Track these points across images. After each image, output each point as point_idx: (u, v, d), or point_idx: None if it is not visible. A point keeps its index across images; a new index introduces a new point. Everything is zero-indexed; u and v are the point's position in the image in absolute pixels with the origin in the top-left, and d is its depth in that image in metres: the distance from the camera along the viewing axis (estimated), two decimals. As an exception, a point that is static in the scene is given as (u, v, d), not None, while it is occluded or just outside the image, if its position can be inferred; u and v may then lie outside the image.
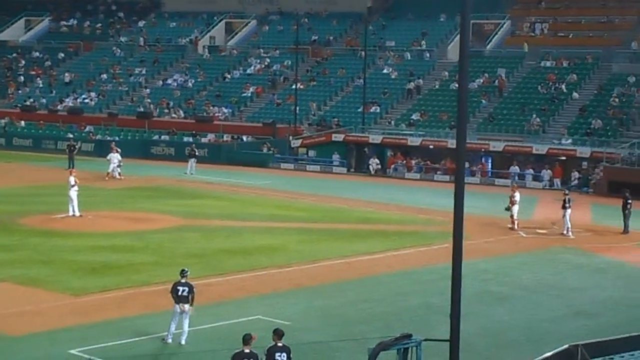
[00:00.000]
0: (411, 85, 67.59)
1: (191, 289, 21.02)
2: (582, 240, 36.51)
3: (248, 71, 75.70)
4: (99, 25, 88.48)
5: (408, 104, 66.49)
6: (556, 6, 73.20)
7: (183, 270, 21.33)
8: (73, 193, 38.08)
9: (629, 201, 38.38)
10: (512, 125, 60.20)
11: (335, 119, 65.40)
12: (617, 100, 60.02)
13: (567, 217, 37.25)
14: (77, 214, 37.97)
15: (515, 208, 38.61)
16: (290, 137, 63.35)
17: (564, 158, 54.99)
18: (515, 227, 38.26)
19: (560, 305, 25.90)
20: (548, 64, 66.50)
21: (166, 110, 71.41)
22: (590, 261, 32.68)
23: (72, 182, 38.21)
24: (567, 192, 38.96)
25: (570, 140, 56.70)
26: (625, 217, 38.25)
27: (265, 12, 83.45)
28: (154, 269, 28.50)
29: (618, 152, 53.35)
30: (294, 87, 68.31)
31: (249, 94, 72.01)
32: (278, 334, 16.55)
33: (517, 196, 38.76)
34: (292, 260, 30.71)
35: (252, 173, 56.63)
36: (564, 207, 37.46)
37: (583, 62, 65.52)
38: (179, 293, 20.94)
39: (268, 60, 76.25)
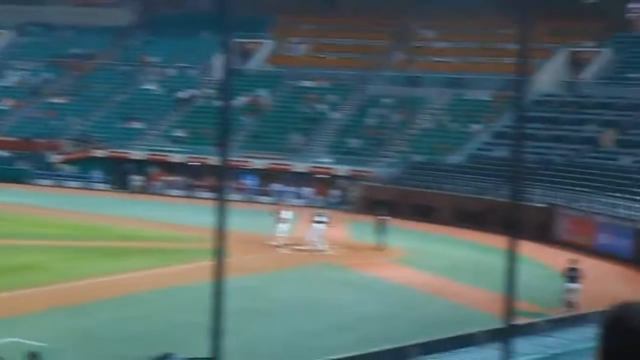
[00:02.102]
0: (183, 94, 67.53)
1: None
2: (340, 256, 37.63)
3: (4, 84, 72.84)
4: None
5: (171, 120, 66.21)
6: (316, 28, 75.20)
7: None
8: None
9: (385, 218, 39.97)
10: (274, 143, 61.26)
11: (97, 135, 64.11)
12: (373, 120, 62.39)
13: (316, 233, 38.32)
14: None
15: (283, 226, 39.26)
16: (49, 152, 61.47)
17: (324, 176, 56.54)
18: (282, 244, 38.87)
19: (319, 320, 26.59)
20: (308, 83, 68.17)
21: None
22: (348, 277, 33.74)
23: None
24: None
25: (330, 159, 58.38)
26: (381, 234, 39.79)
27: (24, 23, 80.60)
28: None
29: (374, 170, 55.51)
30: (53, 101, 66.38)
31: (6, 107, 69.29)
32: (33, 357, 16.06)
33: (286, 214, 39.47)
34: (51, 280, 29.82)
35: (8, 189, 54.42)
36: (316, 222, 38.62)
37: (342, 83, 67.66)
38: None
39: (27, 72, 73.70)
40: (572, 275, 29.16)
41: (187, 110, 67.15)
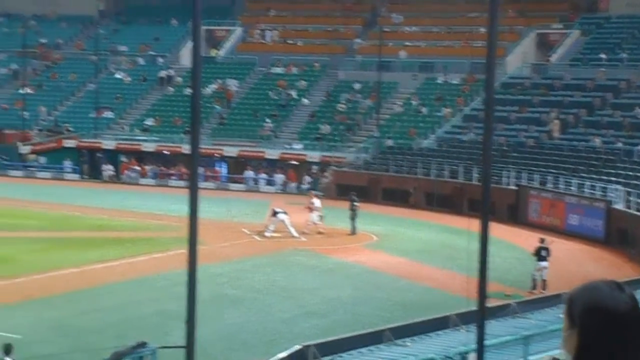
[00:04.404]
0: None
1: None
2: (312, 242, 37.72)
3: (-29, 74, 72.21)
4: None
5: (142, 109, 65.95)
6: (285, 14, 75.08)
7: None
8: None
9: (356, 203, 40.08)
10: (245, 130, 61.16)
11: (67, 125, 63.72)
12: (344, 106, 62.43)
13: (286, 221, 38.39)
14: None
15: (315, 214, 39.23)
16: (19, 143, 61.03)
17: (295, 162, 56.55)
18: (321, 231, 38.99)
19: (292, 306, 26.67)
20: (278, 70, 68.08)
21: None
22: (320, 262, 33.84)
23: None
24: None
25: (301, 145, 58.39)
26: (353, 219, 39.89)
27: (-11, 13, 79.87)
28: None
29: (345, 156, 55.60)
30: (21, 91, 65.84)
31: (-27, 99, 68.73)
32: (6, 348, 16.00)
33: (316, 202, 39.44)
34: (22, 271, 29.67)
35: (-22, 181, 54.06)
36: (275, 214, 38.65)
37: (311, 69, 67.60)
38: None
39: (-7, 63, 73.09)
40: (542, 254, 29.42)
41: (157, 99, 66.86)
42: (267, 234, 38.24)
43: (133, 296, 27.28)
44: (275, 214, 38.56)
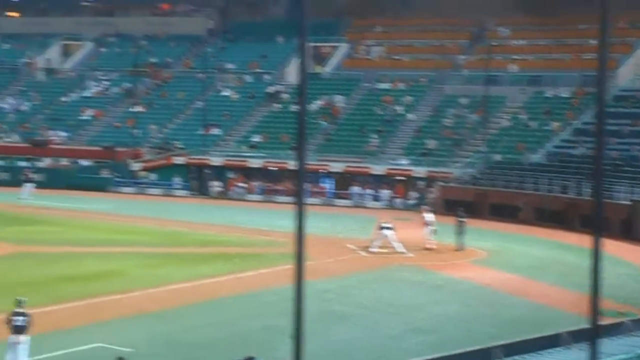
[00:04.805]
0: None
1: (28, 318, 20.41)
2: (419, 258, 37.44)
3: (86, 94, 74.25)
4: None
5: (249, 126, 66.73)
6: (390, 30, 75.11)
7: (19, 299, 20.69)
8: None
9: (463, 219, 39.65)
10: (351, 146, 61.27)
11: (176, 142, 64.93)
12: (450, 121, 61.98)
13: (386, 239, 38.17)
14: None
15: (428, 229, 39.12)
16: (130, 161, 62.49)
17: (401, 178, 56.33)
18: (432, 247, 38.78)
19: (399, 322, 26.46)
20: (384, 86, 68.04)
21: (0, 134, 69.20)
22: (427, 278, 33.54)
23: None
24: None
25: (407, 161, 58.15)
26: (459, 235, 39.48)
27: (102, 34, 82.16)
28: (-12, 299, 27.47)
29: (452, 171, 55.12)
30: (133, 109, 67.47)
31: (87, 117, 70.63)
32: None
33: (428, 217, 39.32)
34: (134, 286, 30.23)
35: (92, 197, 55.51)
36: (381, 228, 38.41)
37: (417, 84, 67.37)
38: (15, 323, 20.29)
39: (106, 82, 75.04)
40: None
41: (263, 115, 67.54)
42: (372, 249, 38.14)
43: (241, 311, 27.50)
44: (382, 228, 38.48)
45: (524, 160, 54.35)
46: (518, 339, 20.53)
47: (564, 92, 60.89)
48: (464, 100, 63.40)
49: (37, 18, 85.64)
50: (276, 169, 58.79)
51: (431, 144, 59.74)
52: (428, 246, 39.00)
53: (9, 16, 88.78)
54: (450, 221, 40.79)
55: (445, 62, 68.72)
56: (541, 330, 21.78)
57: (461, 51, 70.14)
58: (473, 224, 41.34)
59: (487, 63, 57.17)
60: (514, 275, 34.34)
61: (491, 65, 58.45)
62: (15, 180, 57.98)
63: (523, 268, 35.71)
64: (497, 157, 55.54)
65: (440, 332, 25.40)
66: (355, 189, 56.97)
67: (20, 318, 20.32)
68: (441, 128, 61.57)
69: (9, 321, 20.38)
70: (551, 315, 26.93)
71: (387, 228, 38.37)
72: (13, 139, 68.25)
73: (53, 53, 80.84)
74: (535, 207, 48.51)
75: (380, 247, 38.28)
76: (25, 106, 73.34)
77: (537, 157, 54.84)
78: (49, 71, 78.39)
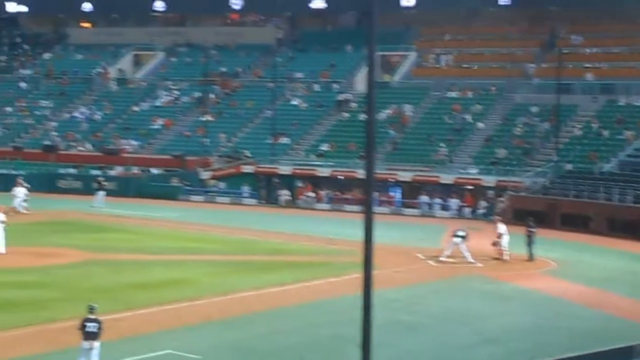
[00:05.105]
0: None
1: (99, 324, 20.66)
2: (489, 268, 37.07)
3: (156, 103, 75.21)
4: (3, 58, 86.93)
5: (317, 135, 66.89)
6: (460, 38, 74.72)
7: (91, 305, 20.97)
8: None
9: (533, 229, 39.16)
10: (419, 155, 61.01)
11: (245, 151, 65.36)
12: (521, 130, 61.34)
13: (456, 247, 37.87)
14: (3, 251, 37.03)
15: (503, 239, 38.76)
16: (200, 169, 63.06)
17: (470, 187, 55.89)
18: (506, 258, 38.38)
19: (469, 332, 26.21)
20: (453, 94, 67.67)
21: (73, 144, 70.40)
22: (497, 288, 33.19)
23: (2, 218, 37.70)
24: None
25: (476, 170, 57.68)
26: (529, 245, 38.99)
27: (173, 44, 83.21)
28: (61, 305, 27.91)
29: (522, 180, 54.51)
30: (203, 118, 68.10)
31: (158, 126, 71.51)
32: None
33: (501, 228, 39.06)
34: (203, 293, 30.44)
35: (162, 206, 56.13)
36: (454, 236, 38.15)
37: (487, 93, 66.86)
38: (87, 329, 20.55)
39: (177, 92, 75.91)
40: None
41: (332, 124, 67.63)
42: (442, 258, 37.90)
43: (309, 319, 27.50)
44: (455, 236, 38.20)
45: (596, 170, 53.51)
46: (591, 351, 20.20)
47: (638, 101, 59.86)
48: (534, 109, 62.74)
49: (109, 28, 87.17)
50: (344, 177, 58.77)
51: (501, 152, 59.18)
52: (504, 257, 38.53)
53: (83, 27, 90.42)
54: (519, 231, 40.32)
55: (515, 70, 68.09)
56: (615, 343, 21.39)
57: (532, 59, 69.43)
58: (543, 234, 40.82)
59: (558, 71, 56.42)
60: (585, 287, 33.80)
61: (563, 74, 57.70)
62: (88, 188, 58.92)
63: (595, 279, 35.14)
64: (569, 167, 54.78)
65: (511, 343, 25.08)
66: (424, 198, 56.67)
67: (92, 324, 20.57)
68: (511, 137, 60.97)
69: (81, 327, 20.66)
70: (625, 327, 26.45)
71: (460, 236, 38.06)
72: (86, 148, 69.41)
73: (125, 63, 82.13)
74: (607, 218, 47.71)
75: (450, 257, 38.00)
76: (97, 115, 74.56)
77: (609, 166, 53.96)
78: (121, 81, 79.61)
